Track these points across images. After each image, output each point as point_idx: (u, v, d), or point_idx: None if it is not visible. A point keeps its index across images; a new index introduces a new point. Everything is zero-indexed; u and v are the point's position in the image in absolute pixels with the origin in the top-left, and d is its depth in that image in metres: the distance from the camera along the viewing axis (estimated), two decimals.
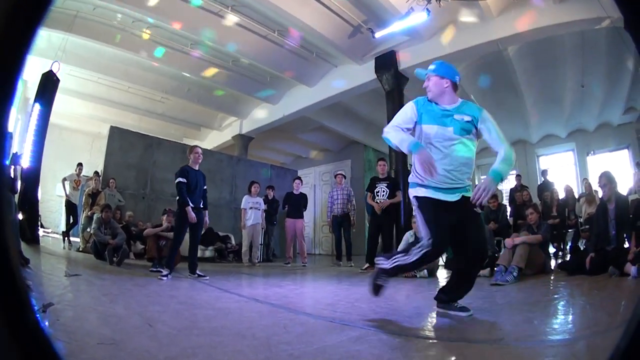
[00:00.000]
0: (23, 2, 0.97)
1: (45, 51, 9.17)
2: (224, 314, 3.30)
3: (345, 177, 10.09)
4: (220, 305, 3.77)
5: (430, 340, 2.58)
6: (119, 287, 4.81)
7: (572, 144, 15.10)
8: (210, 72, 11.50)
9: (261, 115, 14.18)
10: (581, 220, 8.77)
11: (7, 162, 6.38)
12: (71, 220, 10.47)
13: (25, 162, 8.10)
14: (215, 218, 11.28)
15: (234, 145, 15.32)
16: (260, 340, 2.42)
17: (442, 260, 8.08)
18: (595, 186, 7.76)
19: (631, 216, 5.67)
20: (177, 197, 6.35)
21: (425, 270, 6.55)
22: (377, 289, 3.28)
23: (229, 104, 14.15)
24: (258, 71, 11.72)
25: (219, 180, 12.33)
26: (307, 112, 12.86)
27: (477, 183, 3.09)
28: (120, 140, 10.66)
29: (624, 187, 8.28)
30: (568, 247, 9.10)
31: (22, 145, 8.57)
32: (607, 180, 5.84)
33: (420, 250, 3.02)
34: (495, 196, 8.82)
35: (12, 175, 6.65)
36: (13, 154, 7.54)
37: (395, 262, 3.15)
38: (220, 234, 10.90)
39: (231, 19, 9.00)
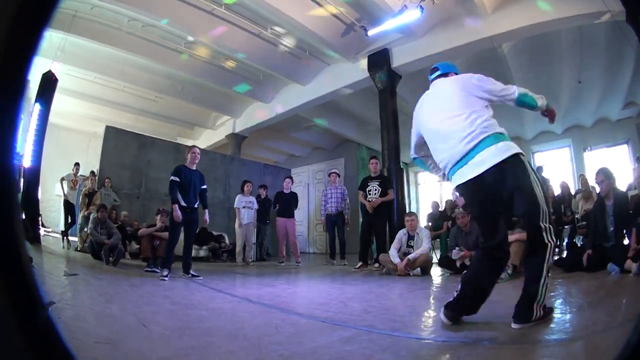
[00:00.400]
0: (29, 4, 1.00)
1: (45, 51, 9.17)
2: (217, 315, 3.34)
3: (339, 176, 10.10)
4: (214, 305, 3.82)
5: (423, 340, 2.58)
6: (114, 287, 4.89)
7: (568, 140, 15.09)
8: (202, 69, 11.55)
9: (254, 114, 14.15)
10: (577, 216, 8.76)
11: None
12: (69, 220, 10.49)
13: (27, 162, 8.14)
14: (209, 217, 11.36)
15: (227, 145, 15.30)
16: (251, 340, 2.46)
17: (435, 258, 8.12)
18: (592, 182, 7.73)
19: (631, 212, 5.64)
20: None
21: (419, 268, 6.61)
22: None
23: (223, 103, 14.14)
24: (251, 69, 11.75)
25: (212, 180, 12.29)
26: (300, 110, 12.86)
27: None
28: (115, 139, 10.70)
29: (623, 182, 8.30)
30: (564, 244, 9.05)
31: (23, 145, 8.60)
32: (604, 176, 5.78)
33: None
34: None
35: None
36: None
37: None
38: (214, 233, 10.93)
39: (224, 16, 9.02)
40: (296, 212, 10.39)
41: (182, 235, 6.57)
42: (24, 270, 1.02)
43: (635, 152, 12.56)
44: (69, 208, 10.50)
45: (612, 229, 5.65)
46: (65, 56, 9.63)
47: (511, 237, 5.99)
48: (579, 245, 7.88)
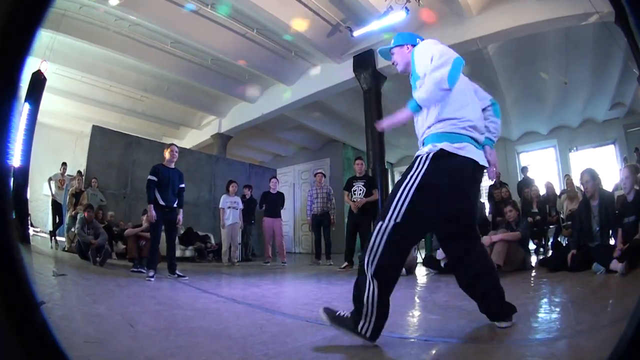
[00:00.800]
0: (23, 4, 1.03)
1: (35, 50, 9.10)
2: (202, 315, 3.37)
3: (325, 176, 10.15)
4: (199, 305, 3.85)
5: (406, 339, 2.59)
6: (102, 287, 4.91)
7: (554, 140, 15.22)
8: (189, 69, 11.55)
9: (240, 114, 14.16)
10: (562, 216, 8.83)
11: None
12: (57, 220, 10.49)
13: (16, 162, 8.10)
14: (194, 217, 11.35)
15: (213, 144, 15.27)
16: (236, 340, 2.50)
17: (420, 258, 8.17)
18: (577, 182, 7.79)
19: (617, 212, 5.62)
20: None
21: (403, 268, 6.64)
22: None
23: (208, 103, 14.12)
24: (237, 69, 11.75)
25: (198, 180, 12.37)
26: (286, 110, 12.87)
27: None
28: (101, 139, 10.66)
29: (609, 182, 8.38)
30: (549, 244, 9.11)
31: (12, 145, 8.53)
32: (589, 176, 5.80)
33: None
34: None
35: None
36: None
37: None
38: (200, 233, 10.94)
39: (210, 16, 9.05)
40: (282, 212, 10.41)
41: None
42: (18, 271, 1.05)
43: (622, 153, 12.73)
44: (57, 208, 10.49)
45: (597, 229, 5.66)
46: (53, 55, 9.58)
47: (495, 237, 6.09)
48: (563, 245, 7.94)
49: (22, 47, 1.06)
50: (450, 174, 2.45)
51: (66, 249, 9.33)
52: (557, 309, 3.48)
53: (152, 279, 5.77)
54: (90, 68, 11.47)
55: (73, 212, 9.24)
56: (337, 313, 2.44)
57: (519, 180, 11.89)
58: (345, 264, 7.98)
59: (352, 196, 8.26)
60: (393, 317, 3.26)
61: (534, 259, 7.31)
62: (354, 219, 8.23)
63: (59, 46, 9.77)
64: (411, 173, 2.45)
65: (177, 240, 7.48)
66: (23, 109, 8.30)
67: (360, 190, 8.18)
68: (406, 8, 8.01)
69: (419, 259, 7.96)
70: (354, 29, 9.10)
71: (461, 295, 3.11)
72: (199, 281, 5.97)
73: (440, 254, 6.57)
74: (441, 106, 2.54)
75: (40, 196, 13.88)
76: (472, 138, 2.55)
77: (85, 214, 7.95)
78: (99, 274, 6.25)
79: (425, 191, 2.39)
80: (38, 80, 8.36)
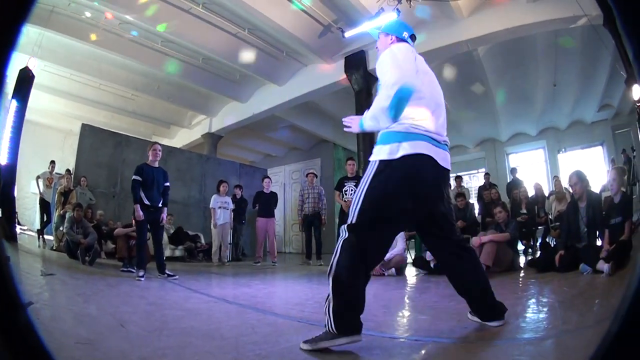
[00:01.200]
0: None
1: (23, 46, 9.04)
2: (194, 315, 3.37)
3: (316, 176, 10.16)
4: (190, 305, 3.86)
5: (396, 339, 2.60)
6: (91, 287, 4.88)
7: (543, 141, 15.35)
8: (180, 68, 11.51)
9: (231, 113, 14.13)
10: (551, 217, 8.89)
11: None
12: (45, 219, 10.38)
13: (3, 159, 8.03)
14: (184, 217, 11.31)
15: (203, 144, 15.24)
16: (228, 340, 2.50)
17: (410, 258, 8.21)
18: (565, 183, 7.85)
19: (604, 213, 5.67)
20: None
21: (393, 269, 6.68)
22: None
23: (199, 102, 14.10)
24: (228, 69, 11.74)
25: (188, 179, 12.31)
26: (277, 110, 12.89)
27: None
28: (91, 137, 10.58)
29: (597, 184, 8.46)
30: (538, 244, 9.16)
31: None
32: (578, 178, 5.84)
33: None
34: (463, 194, 8.99)
35: None
36: None
37: None
38: (190, 233, 10.89)
39: (202, 15, 9.03)
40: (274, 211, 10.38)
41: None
42: (3, 270, 1.04)
43: (610, 154, 12.85)
44: (45, 206, 10.39)
45: (585, 230, 5.71)
46: (42, 52, 9.49)
47: (484, 238, 6.13)
48: (551, 245, 7.99)
49: (7, 42, 1.04)
50: (393, 179, 2.42)
51: (54, 248, 9.25)
52: (545, 309, 3.51)
53: (142, 279, 5.75)
54: (80, 66, 11.42)
55: (62, 211, 9.18)
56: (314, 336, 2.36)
57: (508, 181, 11.95)
58: None
59: (343, 196, 8.28)
60: (383, 317, 3.30)
61: (522, 260, 7.34)
62: (345, 220, 8.22)
63: (48, 43, 9.68)
64: (363, 178, 2.50)
65: (166, 240, 7.44)
66: (10, 105, 8.24)
67: (352, 190, 8.19)
68: (397, 9, 8.04)
69: (409, 260, 8.00)
70: (346, 30, 9.13)
71: (450, 295, 3.13)
72: (190, 281, 5.95)
73: (429, 255, 6.61)
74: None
75: (27, 194, 13.78)
76: (425, 135, 2.49)
77: (75, 213, 7.90)
78: (88, 273, 6.21)
79: (374, 193, 2.43)
80: (26, 77, 8.30)
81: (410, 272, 7.14)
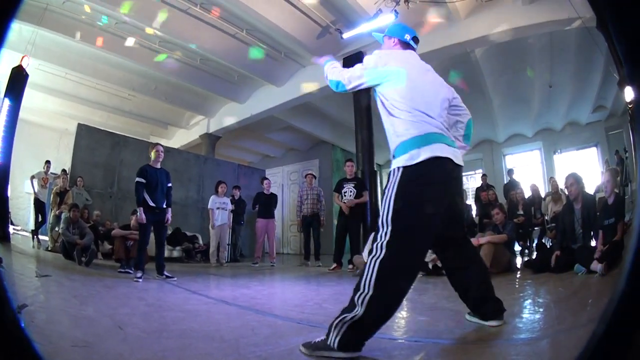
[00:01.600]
0: None
1: (16, 44, 9.01)
2: (193, 316, 3.35)
3: (315, 177, 10.15)
4: (189, 307, 3.83)
5: (395, 340, 2.60)
6: (88, 288, 4.83)
7: (539, 143, 15.35)
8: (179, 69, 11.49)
9: (229, 114, 14.13)
10: (547, 218, 8.90)
11: None
12: (39, 219, 10.35)
13: None
14: (182, 218, 11.27)
15: (201, 145, 15.23)
16: (228, 342, 2.48)
17: None
18: (561, 185, 7.88)
19: (598, 214, 5.71)
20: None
21: None
22: None
23: (197, 103, 14.09)
24: (226, 70, 11.73)
25: (186, 180, 12.28)
26: (275, 111, 12.89)
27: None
28: (87, 137, 10.52)
29: (591, 184, 8.50)
30: (534, 245, 9.21)
31: None
32: (574, 180, 5.91)
33: None
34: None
35: None
36: None
37: None
38: (188, 234, 10.90)
39: (200, 16, 9.01)
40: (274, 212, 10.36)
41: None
42: None
43: (604, 155, 12.89)
44: (40, 206, 10.36)
45: (580, 231, 5.77)
46: (36, 50, 9.43)
47: (482, 240, 6.14)
48: (547, 246, 8.02)
49: None
50: (418, 184, 2.41)
51: (49, 248, 9.20)
52: (541, 310, 3.57)
53: (140, 280, 5.73)
54: (75, 65, 11.38)
55: (57, 212, 9.12)
56: (312, 342, 2.31)
57: (505, 182, 11.98)
58: (335, 265, 8.00)
59: (341, 198, 8.27)
60: None
61: (518, 261, 7.36)
62: (344, 221, 8.24)
63: (42, 41, 9.65)
64: (388, 187, 2.45)
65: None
66: (3, 104, 8.21)
67: (351, 192, 8.19)
68: (395, 11, 8.06)
69: None
70: (344, 31, 9.15)
71: (449, 296, 3.13)
72: (188, 282, 5.93)
73: (428, 256, 6.62)
74: (395, 119, 2.56)
75: (21, 194, 13.73)
76: (438, 135, 2.51)
77: (71, 214, 7.85)
78: (85, 274, 6.17)
79: (400, 202, 2.37)
80: (19, 76, 8.26)
81: None
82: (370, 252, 2.35)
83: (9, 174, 8.45)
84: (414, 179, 2.39)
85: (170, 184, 6.68)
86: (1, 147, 8.10)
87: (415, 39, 2.96)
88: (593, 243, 5.69)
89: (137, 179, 6.30)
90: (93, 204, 9.99)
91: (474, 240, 6.22)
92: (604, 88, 11.25)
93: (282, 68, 11.54)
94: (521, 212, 9.14)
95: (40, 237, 10.19)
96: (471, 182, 16.14)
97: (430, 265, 6.57)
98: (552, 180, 9.60)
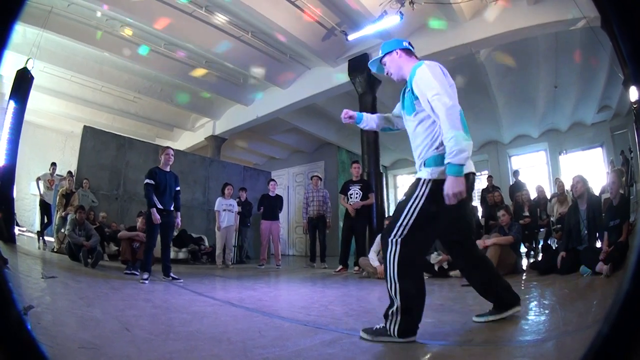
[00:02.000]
0: None
1: (20, 46, 9.04)
2: (200, 318, 3.35)
3: (321, 179, 10.14)
4: (195, 309, 3.83)
5: (402, 343, 2.55)
6: (94, 290, 4.83)
7: (545, 143, 15.26)
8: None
9: (234, 116, 14.16)
10: (553, 219, 8.88)
11: None
12: (45, 220, 10.35)
13: (1, 161, 8.02)
14: (188, 220, 11.25)
15: (206, 147, 15.25)
16: (236, 344, 2.49)
17: None
18: (567, 186, 7.86)
19: (603, 215, 5.70)
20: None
21: None
22: None
23: (202, 105, 14.10)
24: (232, 72, 11.74)
25: (191, 182, 12.29)
26: (281, 113, 12.90)
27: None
28: (93, 140, 10.55)
29: (596, 185, 8.46)
30: (540, 247, 9.17)
31: None
32: (579, 179, 5.93)
33: None
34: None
35: None
36: None
37: None
38: (194, 235, 10.91)
39: (205, 19, 9.03)
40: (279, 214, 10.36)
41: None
42: None
43: (609, 155, 12.83)
44: (45, 208, 10.37)
45: (585, 232, 5.76)
46: (41, 53, 9.46)
47: (488, 241, 6.13)
48: (553, 248, 7.99)
49: None
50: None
51: (55, 249, 9.21)
52: (546, 311, 3.57)
53: (147, 282, 5.74)
54: (81, 67, 11.41)
55: (63, 213, 9.16)
56: (374, 328, 2.62)
57: (511, 184, 11.94)
58: (340, 267, 7.99)
59: (348, 200, 8.26)
60: None
61: (524, 262, 7.35)
62: (350, 223, 8.23)
63: (47, 44, 9.69)
64: (415, 195, 2.60)
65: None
66: (8, 106, 8.24)
67: (357, 194, 8.18)
68: (400, 12, 8.06)
69: None
70: (349, 33, 9.14)
71: (455, 298, 3.12)
72: (194, 284, 5.94)
73: (434, 258, 6.62)
74: (438, 129, 2.60)
75: (27, 195, 13.78)
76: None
77: (77, 215, 7.88)
78: (91, 276, 6.17)
79: (426, 211, 2.55)
80: (24, 78, 8.28)
81: None
82: (385, 247, 2.62)
83: (15, 175, 8.48)
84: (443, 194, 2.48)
85: (178, 187, 6.70)
86: (7, 149, 8.12)
87: (410, 45, 3.01)
88: (598, 244, 5.66)
89: (147, 181, 6.32)
90: (99, 206, 10.02)
91: (480, 242, 6.22)
92: (609, 88, 11.20)
93: (288, 70, 11.54)
94: (527, 213, 9.11)
95: (46, 238, 10.22)
96: (477, 183, 16.10)
97: (436, 267, 6.57)
98: (557, 181, 9.56)
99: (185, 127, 16.38)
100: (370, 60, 3.19)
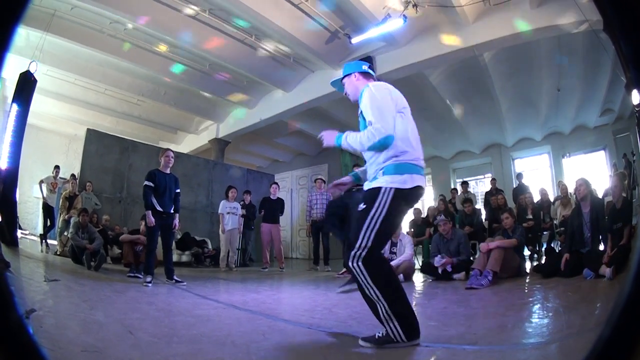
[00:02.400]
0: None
1: (24, 49, 9.06)
2: (203, 321, 3.35)
3: (325, 182, 10.09)
4: (199, 312, 3.83)
5: (407, 346, 2.54)
6: (97, 293, 4.83)
7: (548, 146, 15.19)
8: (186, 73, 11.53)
9: (238, 119, 14.12)
10: (556, 222, 8.86)
11: None
12: (48, 223, 10.33)
13: (3, 163, 8.03)
14: (191, 222, 11.27)
15: (210, 149, 15.23)
16: (240, 347, 2.48)
17: (418, 265, 8.17)
18: (570, 189, 7.85)
19: (606, 218, 5.69)
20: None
21: (401, 275, 6.63)
22: None
23: (206, 108, 14.09)
24: (235, 75, 11.73)
25: (195, 185, 12.29)
26: (284, 116, 12.88)
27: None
28: (96, 142, 10.57)
29: (599, 188, 8.44)
30: (543, 250, 9.17)
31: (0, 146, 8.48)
32: (582, 182, 5.91)
33: None
34: (470, 200, 8.96)
35: None
36: None
37: None
38: (197, 238, 10.91)
39: (208, 22, 9.02)
40: (279, 217, 10.35)
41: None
42: None
43: (612, 159, 12.79)
44: (48, 211, 10.36)
45: (588, 235, 5.74)
46: (44, 56, 9.45)
47: (492, 245, 6.10)
48: (556, 251, 7.97)
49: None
50: (402, 204, 2.75)
51: (58, 253, 9.21)
52: (550, 314, 3.57)
53: (150, 285, 5.74)
54: (84, 70, 11.43)
55: (66, 216, 9.16)
56: (375, 335, 2.56)
57: (514, 186, 11.92)
58: (344, 270, 7.96)
59: None
60: None
61: (528, 265, 7.32)
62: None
63: (50, 47, 9.69)
64: (377, 203, 2.67)
65: (173, 245, 7.43)
66: (11, 109, 8.25)
67: None
68: (404, 16, 8.06)
69: (417, 266, 7.96)
70: (352, 36, 9.12)
71: (458, 301, 3.12)
72: (198, 287, 5.95)
73: (437, 261, 6.60)
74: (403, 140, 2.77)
75: (30, 198, 13.78)
76: (416, 166, 2.76)
77: (80, 218, 7.87)
78: (94, 279, 6.18)
79: (389, 217, 2.67)
80: (27, 81, 8.29)
81: (418, 279, 7.13)
82: (351, 257, 2.63)
83: (18, 178, 8.48)
84: (402, 202, 2.72)
85: (178, 190, 6.70)
86: (10, 152, 8.13)
87: (371, 67, 3.19)
88: (602, 247, 5.67)
89: (146, 183, 6.33)
90: (102, 209, 10.01)
91: (484, 245, 6.21)
92: (611, 91, 11.17)
93: (291, 73, 11.53)
94: (530, 216, 9.08)
95: (49, 241, 10.20)
96: (480, 186, 16.08)
97: (439, 270, 6.55)
98: (560, 184, 9.54)
99: (188, 130, 16.35)
100: (332, 80, 3.27)
